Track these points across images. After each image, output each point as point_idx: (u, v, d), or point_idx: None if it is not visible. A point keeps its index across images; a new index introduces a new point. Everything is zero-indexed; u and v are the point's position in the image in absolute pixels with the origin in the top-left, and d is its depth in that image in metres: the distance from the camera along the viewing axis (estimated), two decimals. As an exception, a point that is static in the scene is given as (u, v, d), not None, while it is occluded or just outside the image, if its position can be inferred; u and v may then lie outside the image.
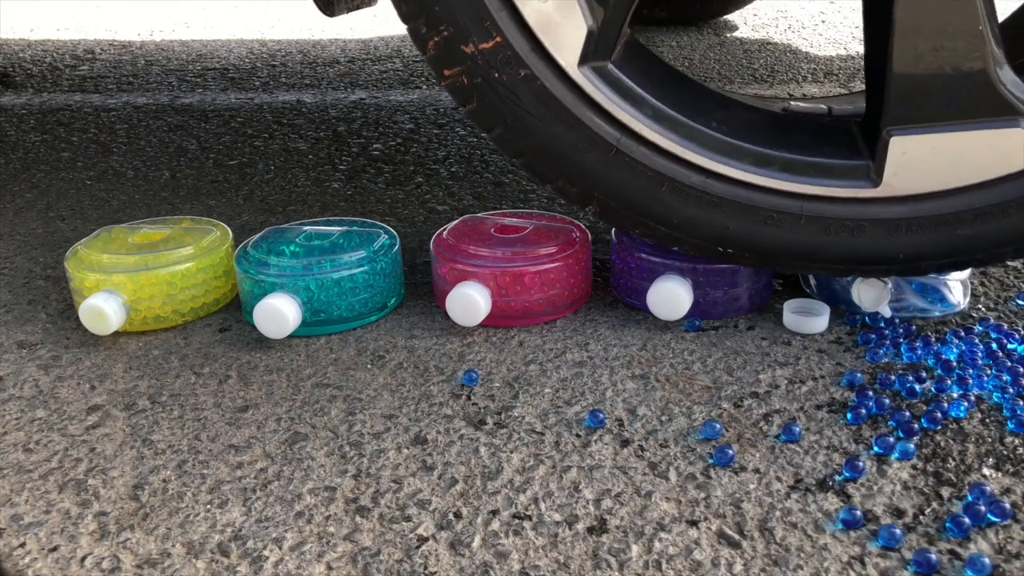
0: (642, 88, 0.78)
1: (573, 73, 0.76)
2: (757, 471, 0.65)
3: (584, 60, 0.76)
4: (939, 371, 0.77)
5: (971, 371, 0.75)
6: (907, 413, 0.70)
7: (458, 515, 0.61)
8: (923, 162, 0.75)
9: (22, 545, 0.60)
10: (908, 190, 0.76)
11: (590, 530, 0.60)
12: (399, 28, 2.55)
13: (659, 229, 0.81)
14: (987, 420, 0.70)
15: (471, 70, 0.77)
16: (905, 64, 0.73)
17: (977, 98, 0.73)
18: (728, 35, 2.39)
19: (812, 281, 0.90)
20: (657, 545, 0.58)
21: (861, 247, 0.78)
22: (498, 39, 0.75)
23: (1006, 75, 0.72)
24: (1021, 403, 0.71)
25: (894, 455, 0.66)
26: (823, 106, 0.89)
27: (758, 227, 0.79)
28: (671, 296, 0.82)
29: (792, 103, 0.89)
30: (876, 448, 0.66)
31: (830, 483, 0.63)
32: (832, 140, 0.80)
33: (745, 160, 0.78)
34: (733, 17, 2.64)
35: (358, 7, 1.30)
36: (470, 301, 0.83)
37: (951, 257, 0.78)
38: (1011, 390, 0.73)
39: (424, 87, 1.91)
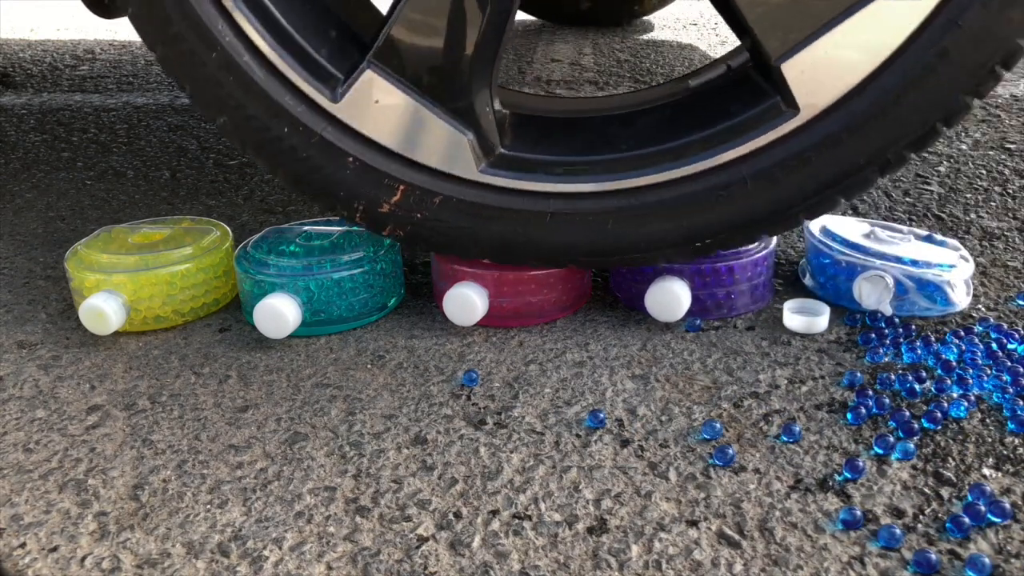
0: (544, 153, 0.81)
1: (478, 177, 0.79)
2: (757, 471, 0.65)
3: (479, 161, 0.79)
4: (939, 371, 0.77)
5: (971, 371, 0.75)
6: (907, 413, 0.70)
7: (458, 515, 0.61)
8: (824, 70, 0.73)
9: (22, 545, 0.60)
10: (827, 100, 0.74)
11: (590, 530, 0.60)
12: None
13: (636, 257, 0.82)
14: (987, 420, 0.70)
15: (398, 222, 0.82)
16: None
17: None
18: (729, 35, 2.39)
19: (810, 282, 0.90)
20: (657, 545, 0.58)
21: (824, 175, 0.76)
22: (402, 188, 0.80)
23: None
24: (1021, 403, 0.71)
25: (894, 455, 0.66)
26: (722, 66, 0.88)
27: (716, 210, 0.78)
28: (669, 298, 0.82)
29: (692, 80, 0.88)
30: (876, 448, 0.66)
31: (830, 483, 0.63)
32: (736, 96, 0.79)
33: (665, 161, 0.78)
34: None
35: None
36: (467, 301, 0.83)
37: (912, 135, 0.74)
38: (1011, 390, 0.73)
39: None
